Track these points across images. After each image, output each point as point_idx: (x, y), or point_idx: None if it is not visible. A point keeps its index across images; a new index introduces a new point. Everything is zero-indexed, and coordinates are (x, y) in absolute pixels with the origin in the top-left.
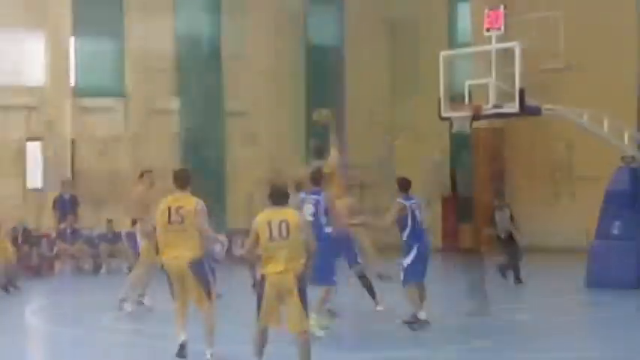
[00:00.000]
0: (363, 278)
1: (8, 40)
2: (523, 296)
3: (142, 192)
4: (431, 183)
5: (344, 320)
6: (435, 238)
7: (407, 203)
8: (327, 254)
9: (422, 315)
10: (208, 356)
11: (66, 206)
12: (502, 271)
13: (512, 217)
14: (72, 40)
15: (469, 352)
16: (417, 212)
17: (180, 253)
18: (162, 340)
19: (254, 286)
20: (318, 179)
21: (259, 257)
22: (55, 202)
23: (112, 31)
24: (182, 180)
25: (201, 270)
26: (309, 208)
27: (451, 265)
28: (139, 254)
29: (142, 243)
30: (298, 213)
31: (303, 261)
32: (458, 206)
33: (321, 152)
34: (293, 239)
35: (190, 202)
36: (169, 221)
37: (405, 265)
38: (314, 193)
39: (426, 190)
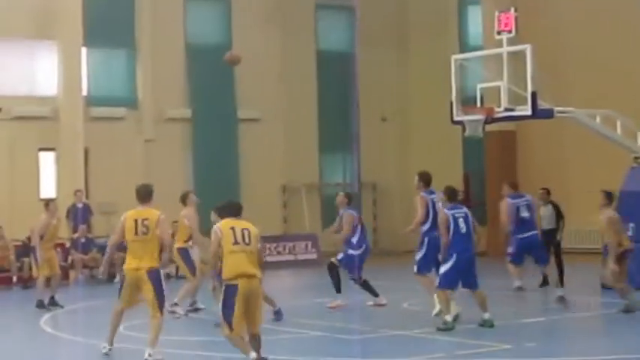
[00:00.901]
0: None
1: (20, 51)
2: (541, 297)
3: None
4: None
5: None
6: None
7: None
8: None
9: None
10: (146, 356)
11: (79, 215)
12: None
13: (560, 214)
14: (84, 50)
15: (487, 356)
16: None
17: (142, 264)
18: (177, 348)
19: (214, 289)
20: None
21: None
22: (68, 211)
23: (124, 40)
24: (144, 195)
25: (158, 279)
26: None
27: None
28: (192, 267)
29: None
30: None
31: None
32: (471, 210)
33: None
34: (253, 247)
35: (154, 214)
36: (136, 232)
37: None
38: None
39: None
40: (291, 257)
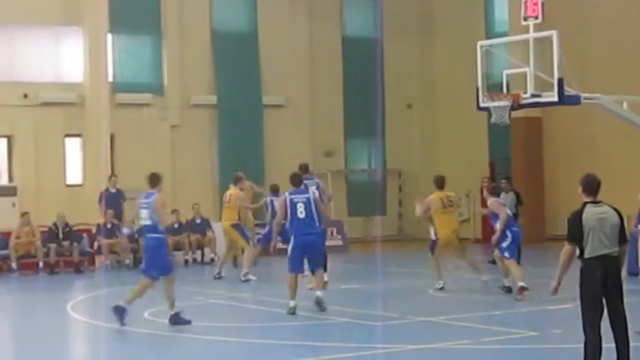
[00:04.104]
0: None
1: (46, 37)
2: (565, 285)
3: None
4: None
5: (396, 306)
6: (475, 230)
7: (288, 197)
8: None
9: (291, 303)
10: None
11: (112, 201)
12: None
13: (520, 202)
14: (109, 36)
15: (513, 343)
16: (297, 205)
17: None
18: (205, 334)
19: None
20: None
21: None
22: (101, 196)
23: (149, 26)
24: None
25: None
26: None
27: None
28: (247, 238)
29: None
30: None
31: None
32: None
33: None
34: None
35: None
36: None
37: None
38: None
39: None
40: None
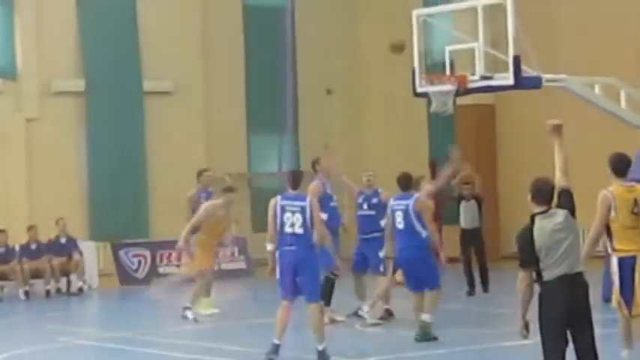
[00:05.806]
0: None
1: None
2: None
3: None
4: None
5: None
6: None
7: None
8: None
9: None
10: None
11: None
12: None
13: (481, 210)
14: None
15: None
16: (396, 214)
17: None
18: None
19: None
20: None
21: None
22: None
23: None
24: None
25: None
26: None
27: None
28: None
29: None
30: None
31: None
32: (439, 203)
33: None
34: None
35: None
36: None
37: None
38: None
39: None
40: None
